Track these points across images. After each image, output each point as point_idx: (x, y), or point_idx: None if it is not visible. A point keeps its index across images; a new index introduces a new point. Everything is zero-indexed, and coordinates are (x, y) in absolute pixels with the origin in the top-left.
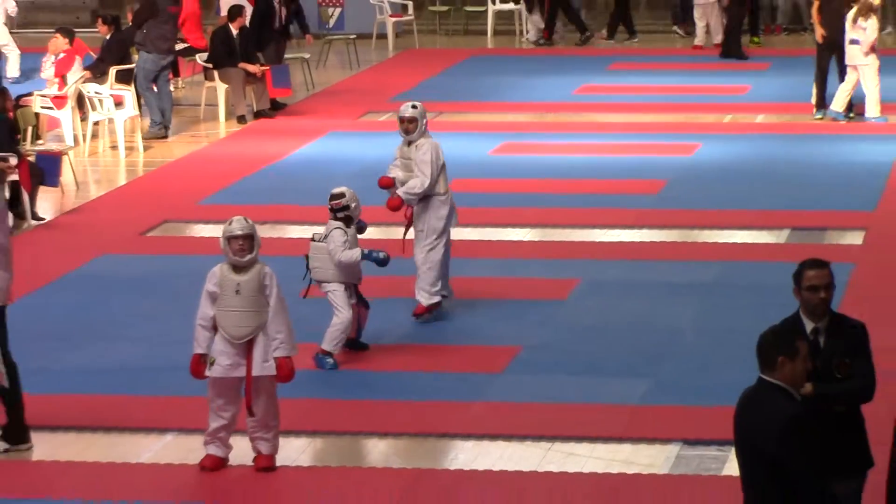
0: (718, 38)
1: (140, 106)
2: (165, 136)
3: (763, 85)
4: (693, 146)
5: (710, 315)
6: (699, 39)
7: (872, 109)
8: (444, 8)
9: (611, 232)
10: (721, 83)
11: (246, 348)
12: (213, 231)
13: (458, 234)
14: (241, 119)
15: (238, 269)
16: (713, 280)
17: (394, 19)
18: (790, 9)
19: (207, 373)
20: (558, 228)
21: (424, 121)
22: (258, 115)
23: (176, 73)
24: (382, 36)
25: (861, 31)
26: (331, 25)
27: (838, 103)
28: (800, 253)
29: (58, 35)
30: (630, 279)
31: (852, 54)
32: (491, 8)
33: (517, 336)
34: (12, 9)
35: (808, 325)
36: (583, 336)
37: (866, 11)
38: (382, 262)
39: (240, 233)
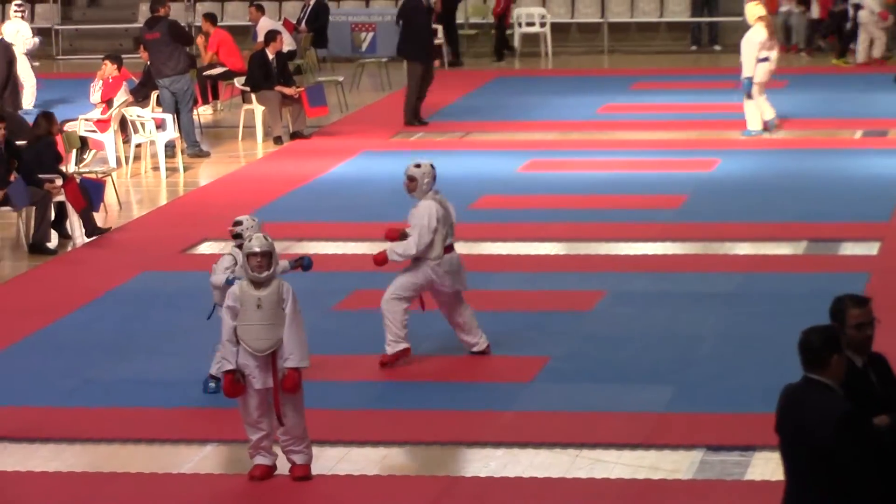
0: (878, 52)
1: (181, 128)
2: (201, 156)
3: (780, 102)
4: (713, 162)
5: (731, 324)
6: (861, 57)
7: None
8: (473, 31)
9: (635, 245)
10: (739, 100)
11: (269, 360)
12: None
13: (488, 248)
14: (278, 140)
15: (258, 284)
16: (734, 290)
17: None
18: (805, 29)
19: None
20: (584, 242)
21: (426, 180)
22: (294, 135)
23: (216, 96)
24: None
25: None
26: (363, 49)
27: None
28: (817, 263)
29: (107, 62)
30: (654, 290)
31: (763, 72)
32: (518, 31)
33: (545, 346)
34: (30, 41)
35: (858, 361)
36: (609, 346)
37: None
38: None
39: (258, 250)
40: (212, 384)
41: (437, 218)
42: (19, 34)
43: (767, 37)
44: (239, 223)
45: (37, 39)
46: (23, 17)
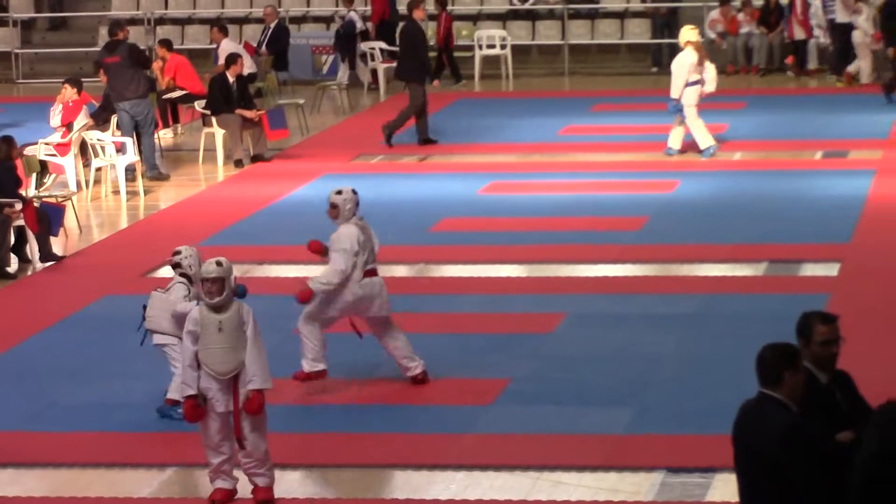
0: (865, 79)
1: (141, 152)
2: (161, 179)
3: (740, 123)
4: (673, 183)
5: (691, 345)
6: (852, 68)
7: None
8: (433, 54)
9: (595, 267)
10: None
11: (231, 383)
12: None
13: (449, 271)
14: (239, 163)
15: (217, 308)
16: (694, 311)
17: (385, 65)
18: (765, 50)
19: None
20: (545, 264)
21: (348, 206)
22: (255, 158)
23: (176, 120)
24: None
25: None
26: (324, 72)
27: (676, 141)
28: (777, 285)
29: (67, 85)
30: (614, 312)
31: (695, 95)
32: (478, 53)
33: (506, 368)
34: None
35: (822, 378)
36: (569, 367)
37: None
38: None
39: (213, 276)
40: (177, 412)
41: (357, 243)
42: None
43: (697, 61)
44: (178, 252)
45: None
46: None
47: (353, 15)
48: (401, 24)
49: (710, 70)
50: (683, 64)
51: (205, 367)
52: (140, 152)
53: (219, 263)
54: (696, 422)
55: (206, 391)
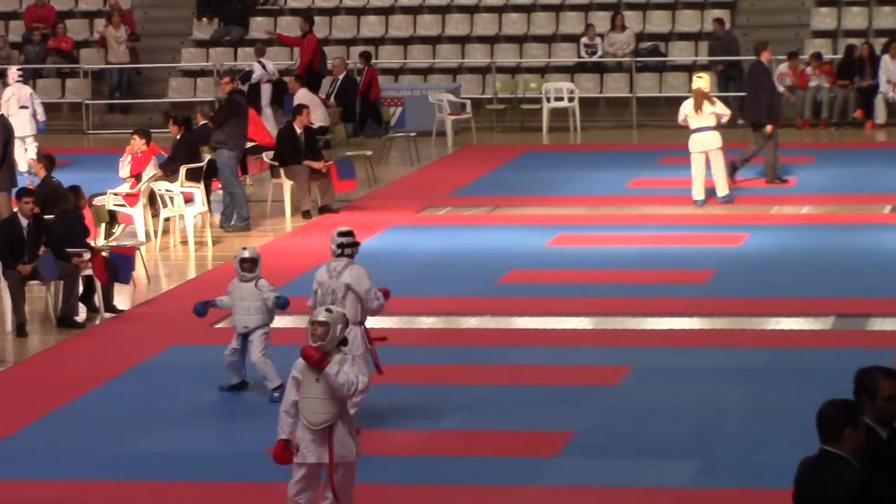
0: None
1: (209, 202)
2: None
3: (808, 177)
4: (741, 237)
5: (758, 399)
6: None
7: (724, 189)
8: (501, 106)
9: (661, 320)
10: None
11: (325, 435)
12: (279, 322)
13: (515, 322)
14: (307, 214)
15: None
16: (761, 365)
17: (453, 117)
18: (837, 104)
19: (295, 459)
20: (611, 317)
21: (332, 246)
22: (322, 209)
23: (244, 171)
24: (442, 133)
25: (712, 117)
26: (392, 123)
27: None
28: (845, 339)
29: (136, 136)
30: (680, 365)
31: (704, 140)
32: (546, 105)
33: (571, 420)
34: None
35: (883, 433)
36: (634, 420)
37: (706, 98)
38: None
39: (321, 319)
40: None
41: (315, 280)
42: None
43: (692, 107)
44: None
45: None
46: (24, 82)
47: (255, 65)
48: (748, 66)
49: (717, 107)
50: (681, 110)
51: (301, 417)
52: (232, 201)
53: (328, 310)
54: (762, 475)
55: (302, 441)
